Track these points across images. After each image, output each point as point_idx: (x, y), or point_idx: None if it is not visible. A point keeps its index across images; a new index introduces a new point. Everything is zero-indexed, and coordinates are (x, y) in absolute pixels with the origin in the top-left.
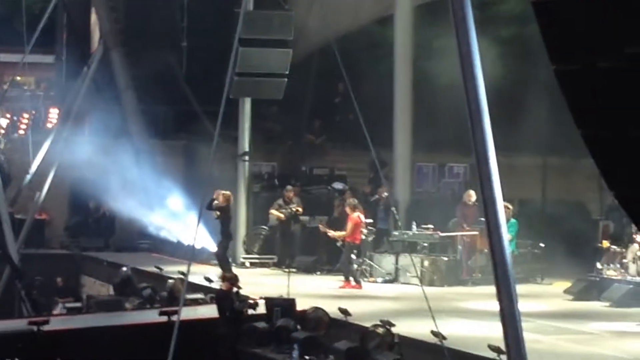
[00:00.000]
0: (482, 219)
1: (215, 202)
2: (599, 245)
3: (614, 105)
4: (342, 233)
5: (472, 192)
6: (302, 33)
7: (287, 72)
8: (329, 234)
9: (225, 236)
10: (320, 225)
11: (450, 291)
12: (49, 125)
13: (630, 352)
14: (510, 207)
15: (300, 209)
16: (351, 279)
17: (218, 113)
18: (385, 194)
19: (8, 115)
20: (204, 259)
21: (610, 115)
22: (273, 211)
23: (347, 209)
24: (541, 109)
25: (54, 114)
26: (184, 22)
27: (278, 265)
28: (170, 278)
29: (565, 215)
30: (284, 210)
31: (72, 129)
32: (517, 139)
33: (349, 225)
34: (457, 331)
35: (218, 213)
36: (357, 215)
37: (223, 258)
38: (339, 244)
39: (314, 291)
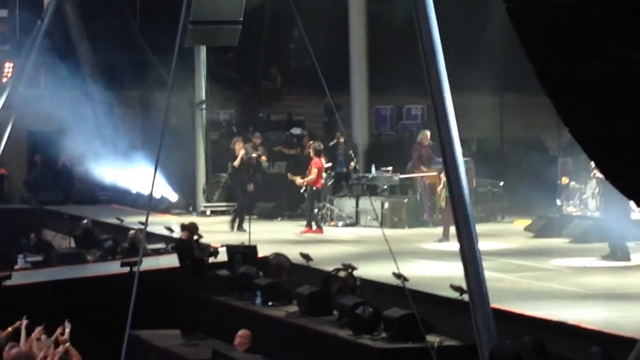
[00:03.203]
0: (439, 159)
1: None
2: (558, 182)
3: (566, 40)
4: (308, 178)
5: (427, 133)
6: None
7: (241, 19)
8: (297, 181)
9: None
10: (290, 175)
11: (411, 233)
12: (4, 80)
13: (591, 287)
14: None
15: (264, 157)
16: (313, 223)
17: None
18: (342, 139)
19: None
20: (164, 209)
21: (562, 50)
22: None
23: (311, 153)
24: (496, 48)
25: (8, 68)
26: None
27: None
28: (131, 229)
29: (523, 153)
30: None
31: (28, 83)
32: (473, 78)
33: (315, 171)
34: (418, 272)
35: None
36: (320, 160)
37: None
38: (302, 190)
39: (275, 237)
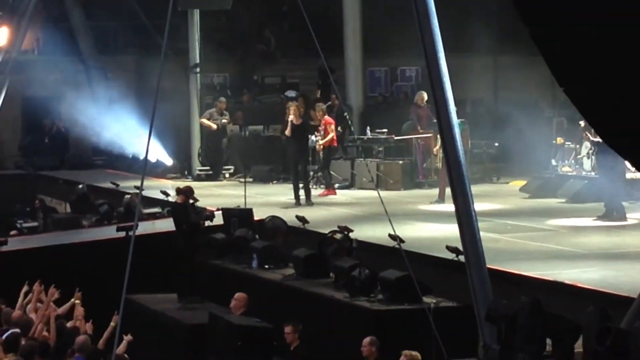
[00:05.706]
0: (435, 120)
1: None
2: (554, 142)
3: (559, 2)
4: (327, 139)
5: (424, 93)
6: None
7: None
8: (319, 145)
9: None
10: (317, 145)
11: (406, 194)
12: None
13: (587, 246)
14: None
15: (230, 123)
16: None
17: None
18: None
19: None
20: (159, 173)
21: (555, 11)
22: (204, 120)
23: (319, 115)
24: (491, 9)
25: (2, 33)
26: None
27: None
28: (127, 193)
29: (518, 113)
30: (216, 121)
31: (22, 48)
32: (468, 39)
33: (332, 129)
34: (414, 234)
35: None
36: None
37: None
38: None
39: (271, 200)
